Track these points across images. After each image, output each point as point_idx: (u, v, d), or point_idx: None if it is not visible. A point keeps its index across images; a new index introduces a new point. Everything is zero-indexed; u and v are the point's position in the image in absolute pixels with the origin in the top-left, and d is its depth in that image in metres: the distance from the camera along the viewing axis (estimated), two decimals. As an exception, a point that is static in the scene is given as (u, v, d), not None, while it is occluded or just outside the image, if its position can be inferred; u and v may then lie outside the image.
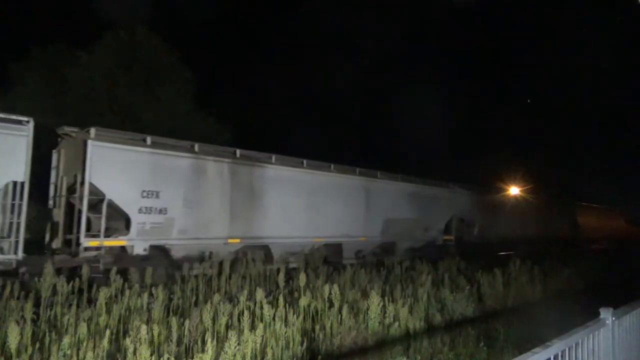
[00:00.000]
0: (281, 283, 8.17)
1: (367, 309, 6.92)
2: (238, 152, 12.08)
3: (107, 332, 5.58)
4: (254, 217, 11.98)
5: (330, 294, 7.15)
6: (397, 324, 6.80)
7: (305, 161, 13.64)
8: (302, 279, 7.76)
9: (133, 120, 20.67)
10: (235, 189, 11.63)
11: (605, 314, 3.65)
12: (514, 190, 25.98)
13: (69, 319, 6.15)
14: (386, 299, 7.27)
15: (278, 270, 8.90)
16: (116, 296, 7.14)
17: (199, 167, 11.06)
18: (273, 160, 12.75)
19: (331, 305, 7.03)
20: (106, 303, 6.64)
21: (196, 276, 8.69)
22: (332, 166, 14.53)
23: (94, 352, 5.18)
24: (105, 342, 5.36)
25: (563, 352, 2.88)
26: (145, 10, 24.49)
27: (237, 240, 11.51)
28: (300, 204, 13.12)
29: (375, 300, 6.89)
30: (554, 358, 2.75)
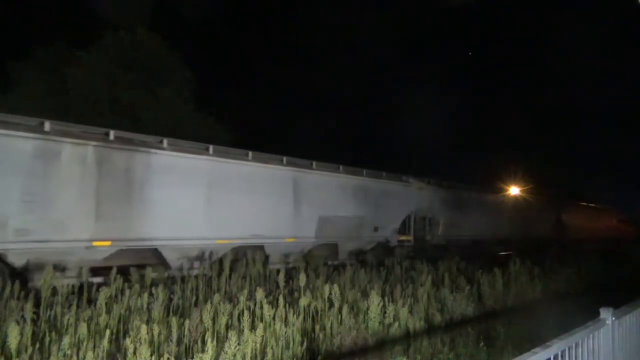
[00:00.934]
0: (281, 283, 8.18)
1: (367, 309, 6.93)
2: (112, 133, 9.71)
3: (107, 332, 5.58)
4: (133, 214, 9.69)
5: (330, 294, 7.16)
6: (397, 324, 6.81)
7: (211, 147, 11.18)
8: (302, 278, 7.76)
9: (133, 121, 20.68)
10: (105, 179, 9.32)
11: (606, 314, 3.65)
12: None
13: (69, 319, 6.14)
14: (386, 299, 7.28)
15: (278, 271, 8.90)
16: (116, 296, 7.14)
17: (49, 150, 8.73)
18: (165, 145, 10.42)
19: (331, 305, 7.04)
20: (106, 303, 6.64)
21: (196, 276, 8.68)
22: (250, 154, 12.04)
23: (94, 352, 5.18)
24: (105, 342, 5.36)
25: (563, 352, 2.88)
26: (146, 10, 24.49)
27: (107, 243, 9.27)
28: (199, 198, 10.67)
29: (375, 300, 6.90)
30: (554, 358, 2.75)
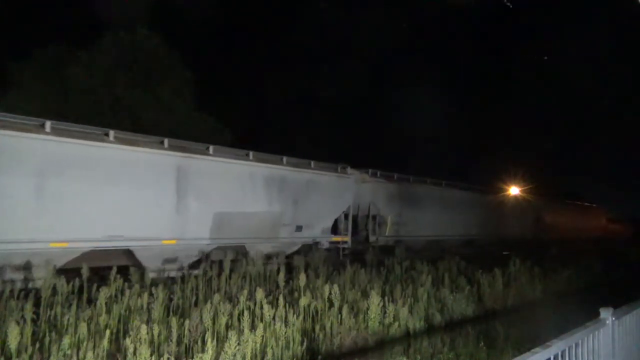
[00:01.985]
0: (281, 283, 8.18)
1: (367, 309, 6.93)
2: None
3: (107, 332, 5.58)
4: None
5: (330, 294, 7.16)
6: (397, 324, 6.81)
7: (48, 123, 8.77)
8: (302, 279, 7.76)
9: (133, 120, 20.69)
10: None
11: (605, 313, 3.65)
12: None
13: (69, 319, 6.15)
14: (386, 298, 7.28)
15: (278, 270, 8.90)
16: (116, 296, 7.14)
17: None
18: None
19: (331, 305, 7.03)
20: (106, 303, 6.64)
21: (196, 276, 8.68)
22: (112, 134, 9.66)
23: (94, 352, 5.18)
24: (105, 342, 5.36)
25: (563, 352, 2.88)
26: (146, 10, 24.50)
27: None
28: (24, 188, 8.33)
29: (375, 300, 6.90)
30: (554, 358, 2.75)
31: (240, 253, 11.78)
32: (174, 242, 10.36)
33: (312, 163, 14.03)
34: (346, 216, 15.21)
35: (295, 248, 13.40)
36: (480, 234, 21.56)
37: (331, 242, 14.54)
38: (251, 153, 12.36)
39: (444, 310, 7.95)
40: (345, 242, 15.07)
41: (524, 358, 2.50)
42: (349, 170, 15.30)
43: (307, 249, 13.61)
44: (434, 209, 18.92)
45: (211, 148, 11.37)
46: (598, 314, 3.67)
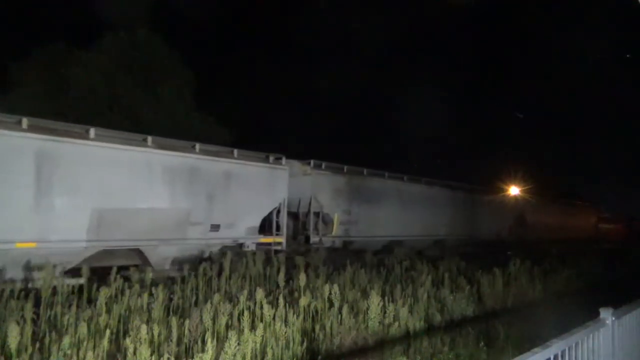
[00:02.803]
0: (281, 283, 8.18)
1: (367, 309, 6.93)
2: None
3: (107, 332, 5.58)
4: None
5: (330, 293, 7.16)
6: (397, 323, 6.81)
7: None
8: (302, 279, 7.76)
9: (133, 121, 20.69)
10: None
11: (605, 313, 3.65)
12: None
13: (69, 319, 6.15)
14: (386, 298, 7.28)
15: (278, 270, 8.90)
16: (116, 296, 7.14)
17: None
18: None
19: (331, 305, 7.03)
20: (106, 303, 6.64)
21: (196, 276, 8.69)
22: None
23: (94, 352, 5.18)
24: (105, 342, 5.36)
25: (563, 352, 2.88)
26: (146, 10, 24.52)
27: None
28: None
29: (375, 300, 6.89)
30: (554, 358, 2.75)
31: (138, 258, 10.31)
32: (33, 245, 8.52)
33: (235, 151, 12.21)
34: (277, 213, 13.13)
35: (213, 249, 11.53)
36: (450, 233, 19.60)
37: (260, 244, 12.50)
38: (150, 138, 10.40)
39: (444, 310, 7.94)
40: (279, 244, 12.98)
41: (524, 358, 2.50)
42: (284, 160, 13.28)
43: (225, 250, 11.43)
44: (394, 206, 16.91)
45: (92, 131, 9.53)
46: (597, 313, 3.67)
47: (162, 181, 10.46)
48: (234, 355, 5.09)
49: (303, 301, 6.78)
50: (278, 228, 13.12)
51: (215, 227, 11.46)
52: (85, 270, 7.84)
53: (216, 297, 6.85)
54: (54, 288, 7.06)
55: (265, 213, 12.81)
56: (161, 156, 10.49)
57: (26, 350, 5.25)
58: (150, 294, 7.06)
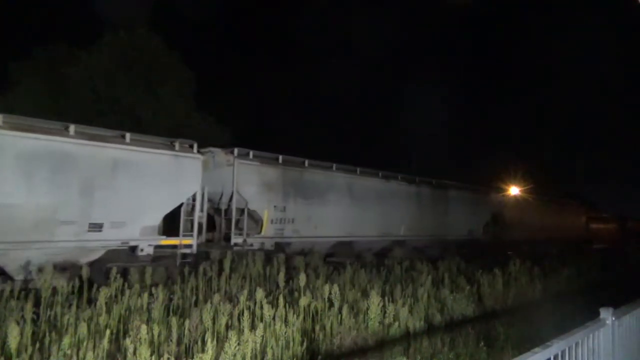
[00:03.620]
0: (281, 283, 8.17)
1: (367, 309, 6.93)
2: None
3: (107, 332, 5.58)
4: None
5: (330, 294, 7.16)
6: (397, 324, 6.81)
7: None
8: (302, 279, 7.76)
9: (133, 120, 20.70)
10: None
11: (605, 313, 3.65)
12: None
13: (69, 319, 6.15)
14: (386, 299, 7.28)
15: (278, 270, 8.89)
16: (116, 296, 7.14)
17: None
18: None
19: (331, 305, 7.03)
20: (106, 303, 6.64)
21: (196, 276, 8.68)
22: None
23: (94, 352, 5.18)
24: (105, 342, 5.36)
25: (563, 352, 2.88)
26: (146, 10, 24.53)
27: None
28: None
29: (375, 300, 6.89)
30: (554, 358, 2.75)
31: None
32: None
33: (128, 135, 10.36)
34: (185, 211, 11.23)
35: (95, 256, 9.83)
36: (412, 234, 17.54)
37: (159, 247, 10.69)
38: (0, 116, 8.72)
39: (444, 310, 7.94)
40: (189, 246, 11.17)
41: (524, 358, 2.50)
42: (195, 147, 11.49)
43: (117, 256, 10.06)
44: (342, 202, 14.94)
45: None
46: (597, 313, 3.66)
47: (12, 170, 8.67)
48: (234, 355, 5.09)
49: (303, 301, 6.78)
50: (186, 228, 11.24)
51: (95, 227, 9.62)
52: (85, 270, 7.84)
53: (216, 297, 6.85)
54: (54, 288, 7.06)
55: (168, 210, 10.88)
56: (14, 139, 8.66)
57: (26, 350, 5.25)
58: (150, 294, 7.06)
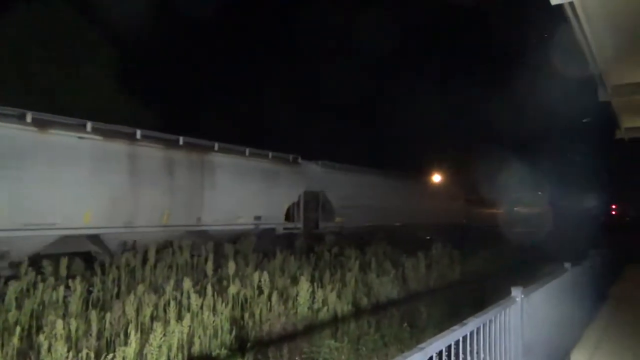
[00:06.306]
0: (209, 272, 8.03)
1: (297, 295, 6.99)
2: None
3: (18, 328, 5.20)
4: None
5: (260, 281, 7.14)
6: (325, 308, 6.94)
7: None
8: (231, 267, 7.67)
9: (50, 100, 19.16)
10: None
11: (516, 292, 3.94)
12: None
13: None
14: (315, 284, 7.38)
15: (206, 259, 8.72)
16: (27, 290, 6.65)
17: None
18: None
19: (261, 292, 7.02)
20: (16, 298, 6.18)
21: (118, 267, 8.28)
22: None
23: (2, 350, 4.81)
24: (15, 339, 4.98)
25: (478, 328, 3.07)
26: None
27: None
28: None
29: (304, 286, 6.97)
30: (471, 334, 2.93)
31: None
32: None
33: None
34: None
35: None
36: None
37: None
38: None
39: (370, 294, 8.20)
40: None
41: (444, 335, 2.63)
42: None
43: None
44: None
45: None
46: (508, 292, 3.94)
47: None
48: (160, 347, 4.94)
49: (232, 289, 6.72)
50: None
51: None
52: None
53: (140, 287, 6.59)
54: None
55: None
56: None
57: None
58: (67, 287, 6.66)
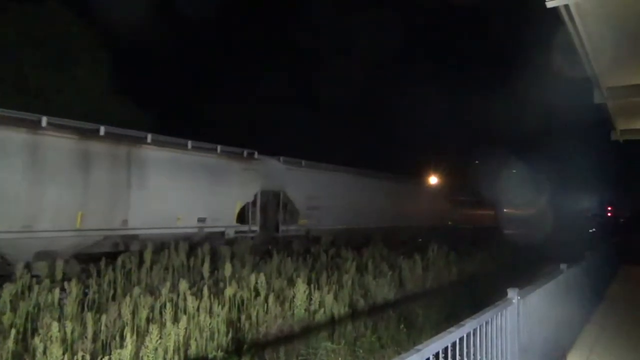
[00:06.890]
0: (206, 274, 8.00)
1: (294, 297, 6.98)
2: None
3: (13, 331, 5.16)
4: None
5: (256, 283, 7.12)
6: (322, 310, 6.93)
7: None
8: (228, 268, 7.65)
9: (43, 101, 19.07)
10: None
11: (512, 293, 3.95)
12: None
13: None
14: (312, 286, 7.37)
15: (202, 261, 8.69)
16: (22, 292, 6.61)
17: None
18: None
19: (257, 294, 7.00)
20: (11, 300, 6.14)
21: (114, 269, 8.24)
22: None
23: (-3, 353, 4.78)
24: (10, 342, 4.95)
25: (475, 330, 3.08)
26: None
27: None
28: None
29: (301, 288, 6.95)
30: (467, 336, 2.93)
31: None
32: None
33: None
34: None
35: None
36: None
37: None
38: None
39: (367, 296, 8.20)
40: None
41: (440, 337, 2.64)
42: None
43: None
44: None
45: None
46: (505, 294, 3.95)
47: None
48: (156, 349, 4.91)
49: (229, 291, 6.69)
50: None
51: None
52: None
53: (136, 290, 6.56)
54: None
55: None
56: None
57: None
58: (63, 289, 6.62)
